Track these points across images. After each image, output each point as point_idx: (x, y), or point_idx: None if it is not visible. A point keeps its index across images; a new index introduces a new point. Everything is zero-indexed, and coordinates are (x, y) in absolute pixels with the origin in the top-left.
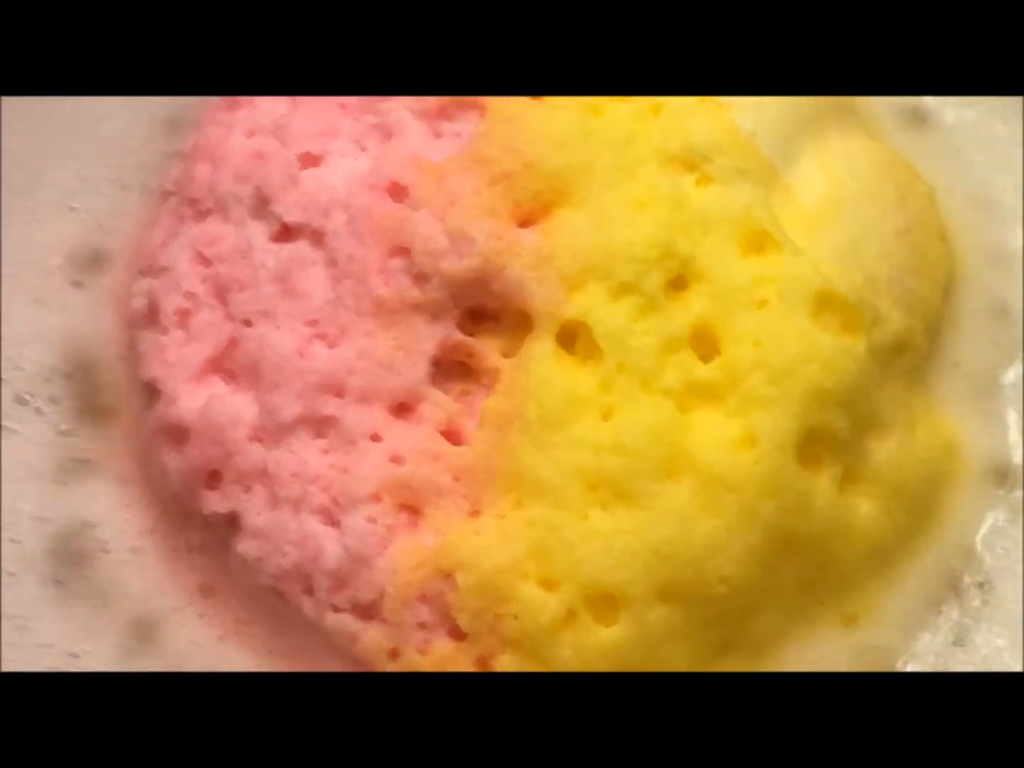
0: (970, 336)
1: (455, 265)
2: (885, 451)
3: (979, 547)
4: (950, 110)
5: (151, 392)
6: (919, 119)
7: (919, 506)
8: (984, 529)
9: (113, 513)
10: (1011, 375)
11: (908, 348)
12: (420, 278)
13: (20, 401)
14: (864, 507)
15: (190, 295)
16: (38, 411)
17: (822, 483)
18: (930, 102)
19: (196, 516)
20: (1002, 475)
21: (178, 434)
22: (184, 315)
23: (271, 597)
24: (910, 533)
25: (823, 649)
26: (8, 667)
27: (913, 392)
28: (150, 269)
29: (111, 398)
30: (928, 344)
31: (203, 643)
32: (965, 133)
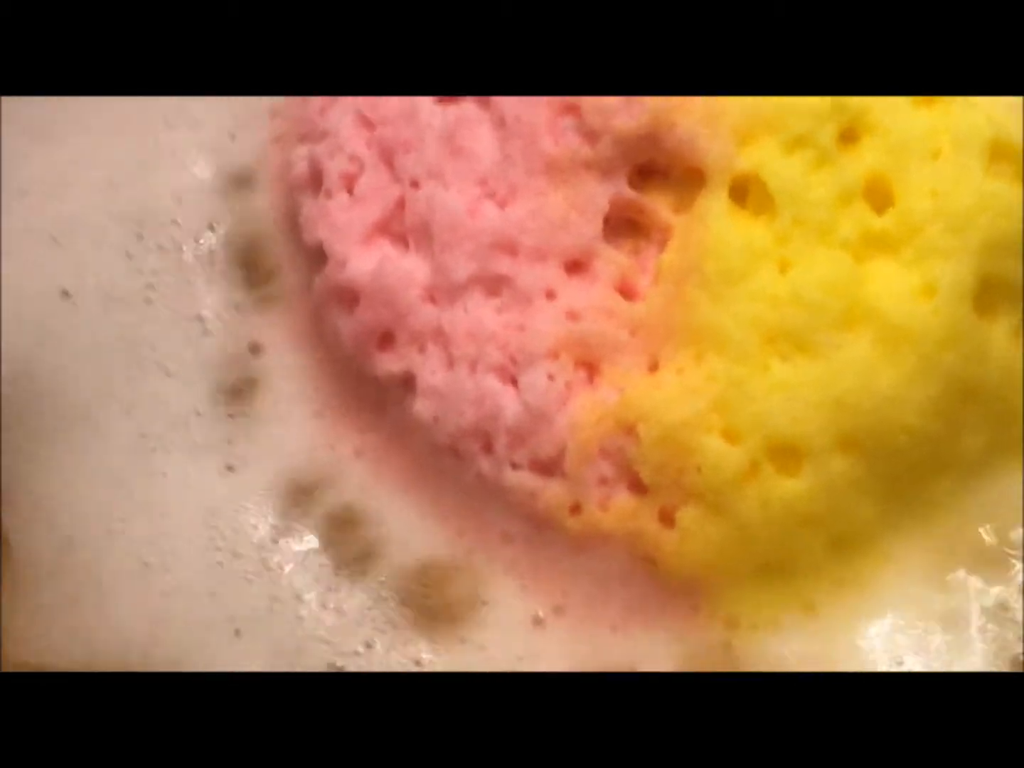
0: None
1: (627, 123)
2: None
3: None
4: None
5: (318, 257)
6: None
7: None
8: None
9: (280, 375)
10: None
11: None
12: (591, 136)
13: (187, 276)
14: None
15: (354, 158)
16: (192, 285)
17: (998, 332)
18: None
19: (367, 378)
20: None
21: (349, 297)
22: (349, 179)
23: (444, 457)
24: None
25: (1005, 499)
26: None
27: None
28: (310, 135)
29: (276, 268)
30: None
31: (365, 507)
32: None
